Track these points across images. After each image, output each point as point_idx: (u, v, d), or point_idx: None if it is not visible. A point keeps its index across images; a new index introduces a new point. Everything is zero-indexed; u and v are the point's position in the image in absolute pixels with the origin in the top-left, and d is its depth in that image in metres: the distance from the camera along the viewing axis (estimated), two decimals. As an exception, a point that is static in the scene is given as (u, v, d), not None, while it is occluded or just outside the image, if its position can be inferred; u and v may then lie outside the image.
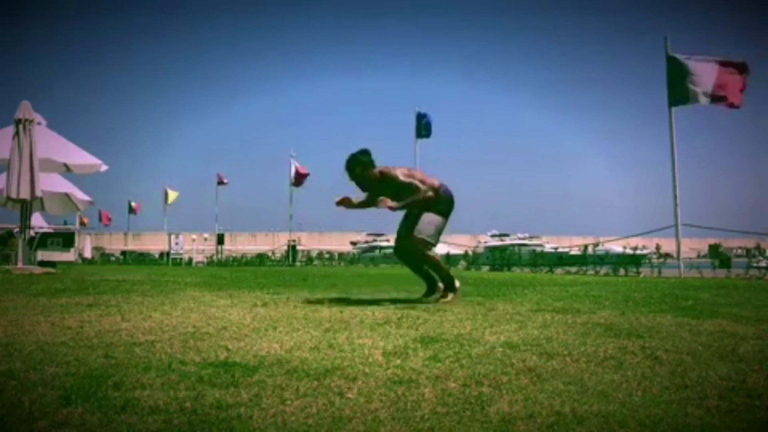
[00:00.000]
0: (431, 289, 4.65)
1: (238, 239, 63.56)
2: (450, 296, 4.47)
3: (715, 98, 9.04)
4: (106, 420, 1.57)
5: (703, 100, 9.10)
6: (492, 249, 28.35)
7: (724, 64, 9.08)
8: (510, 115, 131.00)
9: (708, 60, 9.21)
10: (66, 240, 12.58)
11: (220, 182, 29.48)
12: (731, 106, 9.05)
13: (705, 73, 9.08)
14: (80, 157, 10.15)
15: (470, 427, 1.55)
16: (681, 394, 1.86)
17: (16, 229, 10.53)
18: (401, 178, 4.51)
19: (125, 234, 63.97)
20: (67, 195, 13.01)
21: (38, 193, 8.82)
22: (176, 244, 28.08)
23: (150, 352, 2.43)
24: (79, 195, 13.19)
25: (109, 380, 1.94)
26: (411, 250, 4.55)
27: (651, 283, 7.20)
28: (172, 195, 28.94)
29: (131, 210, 35.25)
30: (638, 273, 11.12)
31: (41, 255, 11.39)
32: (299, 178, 19.87)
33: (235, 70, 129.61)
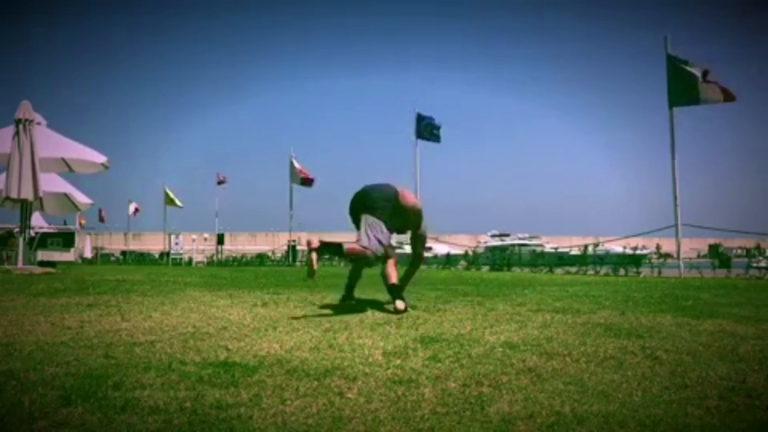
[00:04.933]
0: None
1: (238, 239, 63.59)
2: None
3: (709, 98, 9.04)
4: (106, 420, 1.57)
5: (703, 98, 9.10)
6: (492, 249, 28.35)
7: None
8: (510, 116, 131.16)
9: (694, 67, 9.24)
10: (66, 240, 12.58)
11: (220, 182, 29.42)
12: (726, 98, 9.01)
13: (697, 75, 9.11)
14: (82, 155, 10.12)
15: (470, 427, 1.55)
16: (681, 394, 1.86)
17: (16, 229, 10.52)
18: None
19: (125, 234, 63.89)
20: (66, 195, 13.01)
21: (39, 193, 8.82)
22: (176, 244, 28.07)
23: (150, 352, 2.43)
24: (79, 196, 13.18)
25: (109, 380, 1.93)
26: None
27: (651, 283, 7.19)
28: (175, 199, 28.84)
29: (135, 211, 35.08)
30: (638, 273, 11.11)
31: (41, 255, 11.38)
32: (306, 181, 19.80)
33: (236, 70, 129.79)
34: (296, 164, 19.87)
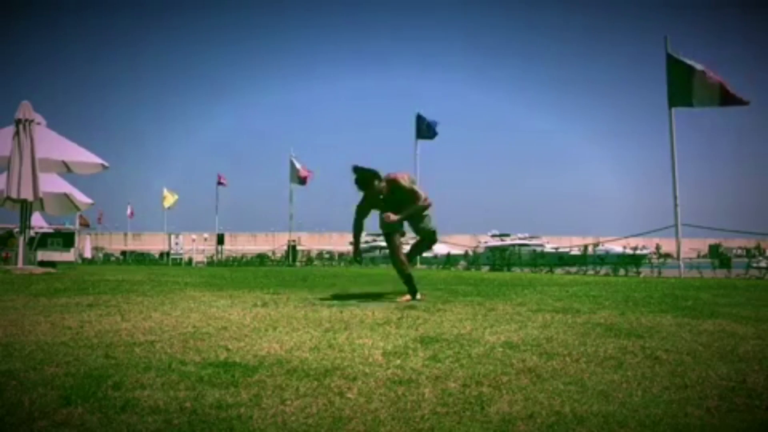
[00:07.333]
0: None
1: (238, 239, 63.56)
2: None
3: (724, 99, 8.94)
4: (106, 420, 1.57)
5: (708, 101, 9.04)
6: (492, 249, 28.36)
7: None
8: (510, 115, 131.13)
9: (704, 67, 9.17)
10: (66, 240, 12.57)
11: (220, 183, 29.47)
12: (739, 102, 8.91)
13: (708, 76, 9.02)
14: (81, 156, 10.15)
15: (470, 427, 1.55)
16: (681, 394, 1.86)
17: (16, 229, 10.53)
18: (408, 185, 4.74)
19: (125, 234, 64.09)
20: (66, 195, 13.01)
21: (40, 194, 8.82)
22: (176, 244, 28.14)
23: (150, 352, 2.43)
24: (79, 196, 13.18)
25: (109, 380, 1.94)
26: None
27: (651, 283, 7.19)
28: (170, 198, 28.83)
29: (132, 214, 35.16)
30: (638, 273, 11.10)
31: (41, 255, 11.38)
32: (302, 179, 19.83)
33: (236, 70, 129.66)
34: (296, 164, 19.88)
